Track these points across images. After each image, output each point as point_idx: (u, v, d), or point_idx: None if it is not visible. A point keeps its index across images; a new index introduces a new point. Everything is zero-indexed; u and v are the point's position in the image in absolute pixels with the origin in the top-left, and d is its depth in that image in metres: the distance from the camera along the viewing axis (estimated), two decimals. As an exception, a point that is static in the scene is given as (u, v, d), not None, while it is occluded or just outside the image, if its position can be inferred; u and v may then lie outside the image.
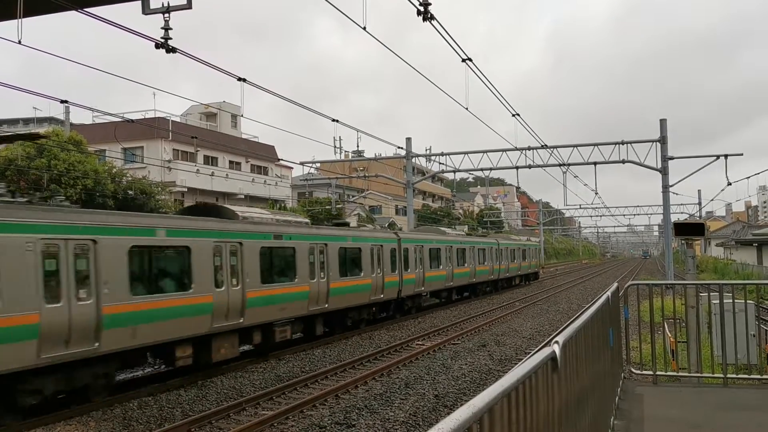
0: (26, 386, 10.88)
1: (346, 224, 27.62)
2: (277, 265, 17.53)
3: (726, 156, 33.74)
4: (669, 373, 10.21)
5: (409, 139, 38.29)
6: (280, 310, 17.30)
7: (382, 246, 24.01)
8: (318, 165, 48.33)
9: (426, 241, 28.86)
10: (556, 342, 3.73)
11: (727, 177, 35.15)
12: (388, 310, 25.41)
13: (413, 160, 41.31)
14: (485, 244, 37.68)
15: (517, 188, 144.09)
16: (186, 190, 47.00)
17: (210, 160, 51.12)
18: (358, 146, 75.73)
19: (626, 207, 79.72)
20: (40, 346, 10.66)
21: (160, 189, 37.39)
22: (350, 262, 21.50)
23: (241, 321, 15.51)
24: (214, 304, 14.65)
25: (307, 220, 21.94)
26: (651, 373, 9.68)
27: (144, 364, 15.17)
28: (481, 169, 38.75)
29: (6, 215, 10.71)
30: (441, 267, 30.13)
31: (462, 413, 2.13)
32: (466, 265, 33.54)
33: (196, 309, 14.17)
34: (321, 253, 19.57)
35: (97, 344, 11.73)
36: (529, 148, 35.76)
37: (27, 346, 10.52)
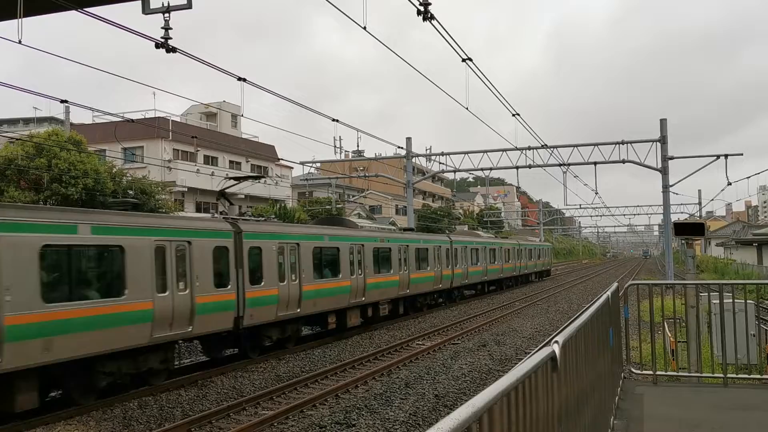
0: None
1: (412, 230, 34.54)
2: (382, 260, 24.28)
3: (726, 156, 33.72)
4: (669, 373, 10.20)
5: (409, 139, 38.30)
6: (381, 294, 23.83)
7: (440, 246, 30.39)
8: (318, 165, 48.31)
9: (469, 242, 35.11)
10: (556, 342, 3.73)
11: (727, 177, 35.15)
12: (444, 297, 32.10)
13: (413, 159, 41.30)
14: (510, 245, 44.52)
15: (517, 188, 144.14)
16: (186, 189, 47.01)
17: (210, 160, 51.13)
18: (358, 146, 75.78)
19: (626, 207, 79.71)
20: None
21: (160, 189, 37.39)
22: (421, 259, 27.99)
23: (363, 300, 22.19)
24: (351, 286, 21.28)
25: (394, 227, 32.92)
26: (651, 372, 9.68)
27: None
28: (481, 169, 38.74)
29: None
30: (479, 264, 36.16)
31: (462, 413, 2.13)
32: (495, 262, 39.75)
33: (342, 290, 20.63)
34: (404, 252, 26.17)
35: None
36: (529, 148, 35.75)
37: None
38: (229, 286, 15.34)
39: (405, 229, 32.58)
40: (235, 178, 20.62)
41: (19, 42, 11.03)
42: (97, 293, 12.11)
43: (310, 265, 18.87)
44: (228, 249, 15.48)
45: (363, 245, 22.47)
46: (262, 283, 16.65)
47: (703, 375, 9.76)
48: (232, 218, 17.24)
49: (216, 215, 17.77)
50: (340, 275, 20.59)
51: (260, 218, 20.22)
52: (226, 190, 19.33)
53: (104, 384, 12.43)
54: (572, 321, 4.97)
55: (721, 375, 9.32)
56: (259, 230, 17.06)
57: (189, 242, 14.24)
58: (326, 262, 20.19)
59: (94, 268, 12.57)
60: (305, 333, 21.01)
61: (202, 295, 14.35)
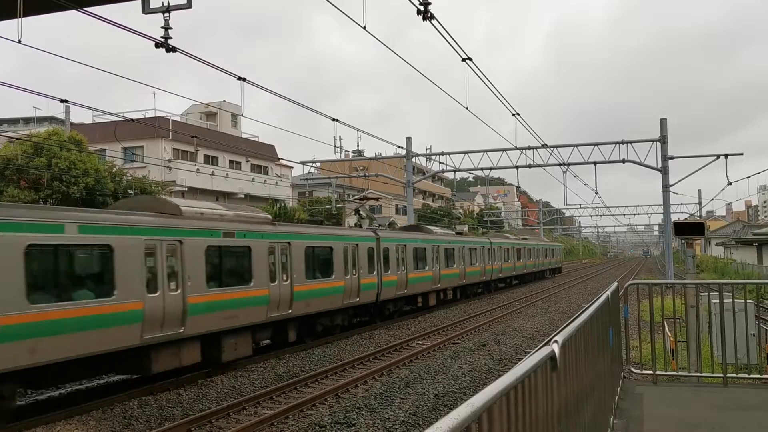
0: None
1: (457, 232, 40.04)
2: (449, 257, 31.22)
3: (726, 156, 33.70)
4: (669, 373, 10.20)
5: (409, 139, 38.29)
6: (449, 282, 31.48)
7: (483, 247, 37.24)
8: (318, 164, 48.30)
9: (502, 243, 43.25)
10: (556, 341, 3.73)
11: (727, 176, 35.12)
12: (483, 287, 38.84)
13: (413, 159, 41.30)
14: (531, 245, 52.49)
15: (517, 188, 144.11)
16: (186, 189, 47.01)
17: (210, 160, 51.13)
18: (358, 145, 75.74)
19: (626, 206, 79.67)
20: None
21: (160, 188, 37.41)
22: (472, 257, 34.62)
23: (438, 286, 30.04)
24: (432, 276, 29.05)
25: (436, 229, 34.96)
26: (651, 372, 9.68)
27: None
28: (481, 169, 38.73)
29: None
30: (509, 261, 44.22)
31: (461, 412, 2.13)
32: (520, 260, 47.30)
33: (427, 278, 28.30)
34: (461, 251, 32.87)
35: None
36: (529, 148, 35.74)
37: None
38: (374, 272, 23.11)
39: (457, 233, 39.26)
40: (360, 198, 30.30)
41: (19, 41, 11.03)
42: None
43: (413, 259, 27.14)
44: (373, 249, 23.20)
45: (438, 246, 30.07)
46: (389, 272, 24.27)
47: (703, 375, 9.76)
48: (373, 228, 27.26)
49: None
50: (426, 267, 28.45)
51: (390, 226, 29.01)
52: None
53: None
54: (572, 321, 4.97)
55: (721, 375, 9.31)
56: (389, 236, 25.67)
57: (405, 246, 25.82)
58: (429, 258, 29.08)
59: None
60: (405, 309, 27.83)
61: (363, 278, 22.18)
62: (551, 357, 3.53)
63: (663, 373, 9.92)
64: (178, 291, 13.78)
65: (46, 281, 11.36)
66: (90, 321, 11.63)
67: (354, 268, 21.43)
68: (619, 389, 8.42)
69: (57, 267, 11.47)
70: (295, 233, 18.60)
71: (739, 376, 9.79)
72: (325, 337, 20.07)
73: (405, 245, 26.27)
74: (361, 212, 47.10)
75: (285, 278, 17.45)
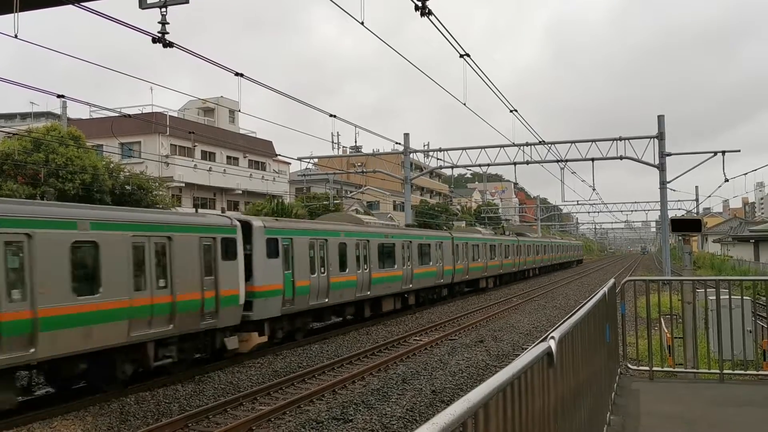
0: None
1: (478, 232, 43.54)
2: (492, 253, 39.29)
3: (723, 152, 33.77)
4: (665, 369, 10.22)
5: (407, 135, 38.28)
6: (489, 272, 38.88)
7: (516, 244, 45.53)
8: (316, 161, 48.29)
9: (537, 241, 53.80)
10: (552, 337, 3.73)
11: (724, 173, 35.20)
12: (519, 275, 47.20)
13: (411, 155, 41.29)
14: (560, 243, 69.10)
15: (515, 184, 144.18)
16: (184, 185, 46.96)
17: (208, 156, 51.05)
18: (356, 142, 75.63)
19: (624, 203, 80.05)
20: None
21: (157, 184, 37.34)
22: (506, 252, 42.16)
23: (467, 277, 34.87)
24: (483, 266, 36.87)
25: (482, 230, 41.43)
26: (647, 368, 9.69)
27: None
28: (479, 165, 38.75)
29: None
30: (538, 255, 53.65)
31: (457, 408, 2.13)
32: (546, 254, 59.91)
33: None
34: (500, 247, 40.69)
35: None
36: (527, 144, 35.77)
37: None
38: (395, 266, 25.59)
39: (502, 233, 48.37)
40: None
41: (15, 36, 11.00)
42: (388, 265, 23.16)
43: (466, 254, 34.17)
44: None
45: (480, 244, 36.59)
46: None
47: (700, 371, 9.78)
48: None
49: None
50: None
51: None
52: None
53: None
54: (569, 317, 4.98)
55: (718, 371, 9.33)
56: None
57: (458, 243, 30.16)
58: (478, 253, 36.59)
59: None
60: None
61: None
62: (548, 353, 3.54)
63: (660, 369, 9.94)
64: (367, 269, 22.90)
65: None
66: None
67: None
68: (615, 385, 8.43)
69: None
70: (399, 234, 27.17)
71: (736, 372, 9.80)
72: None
73: (467, 243, 34.62)
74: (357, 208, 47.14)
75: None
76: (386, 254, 24.90)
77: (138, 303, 12.92)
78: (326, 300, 20.06)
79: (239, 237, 16.19)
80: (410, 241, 27.31)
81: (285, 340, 18.46)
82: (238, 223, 16.39)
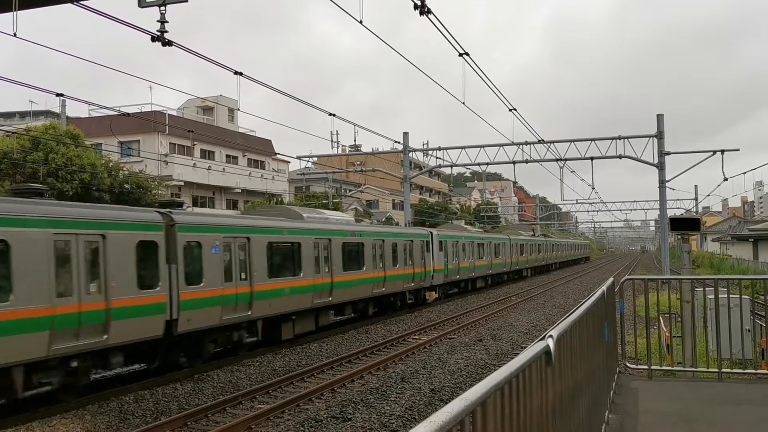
0: None
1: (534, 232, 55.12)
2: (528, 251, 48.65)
3: (723, 151, 33.74)
4: (664, 368, 10.23)
5: (406, 134, 38.26)
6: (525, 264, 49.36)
7: (538, 244, 51.58)
8: (315, 159, 48.26)
9: (552, 242, 62.58)
10: (551, 336, 3.73)
11: (723, 172, 35.18)
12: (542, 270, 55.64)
13: (410, 154, 41.29)
14: (571, 242, 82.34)
15: (514, 183, 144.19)
16: (183, 184, 46.94)
17: (207, 154, 51.03)
18: (355, 140, 75.57)
19: (623, 202, 79.93)
20: None
21: (156, 183, 37.33)
22: (528, 250, 47.02)
23: (489, 272, 39.57)
24: (505, 263, 43.29)
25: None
26: (646, 367, 9.70)
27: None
28: (478, 164, 38.71)
29: None
30: (553, 252, 62.24)
31: (455, 406, 2.13)
32: (560, 252, 70.06)
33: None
34: (522, 246, 45.09)
35: None
36: (526, 143, 35.75)
37: None
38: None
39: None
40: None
41: (14, 35, 10.98)
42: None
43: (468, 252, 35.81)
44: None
45: (466, 242, 35.28)
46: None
47: (698, 370, 9.79)
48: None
49: None
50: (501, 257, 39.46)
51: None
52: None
53: None
54: (568, 316, 4.98)
55: (716, 370, 9.34)
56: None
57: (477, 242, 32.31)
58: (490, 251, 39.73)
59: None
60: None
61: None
62: (546, 351, 3.54)
63: (658, 368, 9.95)
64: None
65: None
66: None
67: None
68: (614, 384, 8.44)
69: None
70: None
71: (734, 371, 9.82)
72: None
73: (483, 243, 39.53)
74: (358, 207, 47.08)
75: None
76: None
77: (417, 270, 27.58)
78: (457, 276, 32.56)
79: (434, 240, 29.74)
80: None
81: (446, 297, 30.17)
82: (432, 231, 30.39)
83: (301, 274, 18.71)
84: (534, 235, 65.40)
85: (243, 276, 16.13)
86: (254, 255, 16.55)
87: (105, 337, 12.16)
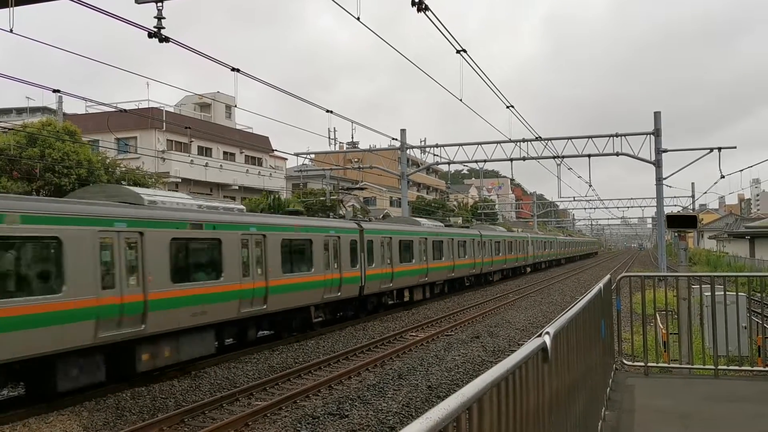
0: None
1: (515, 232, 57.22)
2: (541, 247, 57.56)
3: (719, 149, 33.77)
4: (660, 365, 10.25)
5: (403, 131, 38.25)
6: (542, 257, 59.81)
7: (551, 240, 56.73)
8: (312, 156, 48.22)
9: (564, 239, 71.39)
10: (547, 333, 3.74)
11: (720, 170, 35.19)
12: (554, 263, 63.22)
13: (408, 151, 41.29)
14: (583, 240, 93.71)
15: (512, 180, 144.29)
16: (180, 180, 46.87)
17: (204, 151, 50.95)
18: (352, 137, 75.56)
19: (620, 199, 79.88)
20: None
21: (154, 180, 37.26)
22: (543, 246, 56.51)
23: (505, 265, 44.65)
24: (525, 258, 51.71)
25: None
26: (642, 364, 9.73)
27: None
28: (476, 161, 38.73)
29: None
30: (568, 248, 68.07)
31: (451, 402, 2.13)
32: (569, 248, 76.54)
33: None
34: (536, 243, 51.85)
35: None
36: (524, 140, 35.76)
37: None
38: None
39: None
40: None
41: (11, 31, 10.95)
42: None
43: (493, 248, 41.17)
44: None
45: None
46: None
47: (695, 366, 9.82)
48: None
49: None
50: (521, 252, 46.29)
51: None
52: None
53: None
54: (564, 312, 4.99)
55: (712, 367, 9.37)
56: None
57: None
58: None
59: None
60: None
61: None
62: (543, 348, 3.55)
63: (654, 365, 9.98)
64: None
65: None
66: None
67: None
68: (611, 381, 8.46)
69: None
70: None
71: (730, 368, 9.85)
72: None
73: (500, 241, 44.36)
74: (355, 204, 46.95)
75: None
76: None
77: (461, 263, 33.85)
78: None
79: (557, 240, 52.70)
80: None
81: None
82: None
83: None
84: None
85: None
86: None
87: (339, 294, 21.00)
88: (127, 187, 16.42)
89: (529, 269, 55.31)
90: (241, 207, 19.41)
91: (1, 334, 10.16)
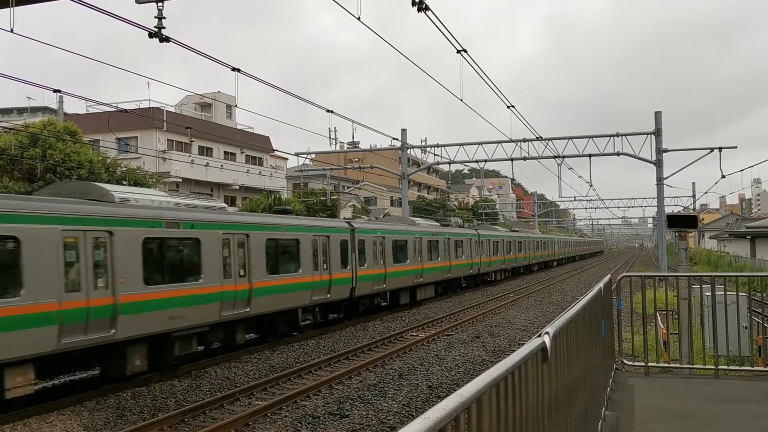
0: None
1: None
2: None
3: (720, 149, 33.74)
4: (661, 365, 10.25)
5: (404, 131, 38.24)
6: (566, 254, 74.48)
7: (565, 239, 71.85)
8: (313, 156, 48.24)
9: (578, 238, 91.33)
10: (547, 333, 3.74)
11: (721, 170, 35.15)
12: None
13: (408, 151, 41.29)
14: (590, 241, 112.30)
15: (512, 180, 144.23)
16: (181, 180, 46.89)
17: (205, 151, 50.97)
18: (353, 137, 75.60)
19: (621, 199, 79.80)
20: None
21: (154, 180, 37.27)
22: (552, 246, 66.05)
23: (518, 263, 49.41)
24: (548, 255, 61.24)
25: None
26: (643, 364, 9.73)
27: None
28: (476, 161, 38.72)
29: None
30: (578, 248, 77.26)
31: (449, 402, 2.14)
32: (581, 246, 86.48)
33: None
34: (547, 243, 59.58)
35: None
36: (524, 140, 35.75)
37: None
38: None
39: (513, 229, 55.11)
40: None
41: (11, 31, 10.96)
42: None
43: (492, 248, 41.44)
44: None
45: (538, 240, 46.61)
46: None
47: (695, 366, 9.81)
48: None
49: None
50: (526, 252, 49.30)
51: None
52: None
53: None
54: (564, 312, 4.99)
55: (713, 367, 9.36)
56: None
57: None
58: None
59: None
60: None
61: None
62: (542, 348, 3.55)
63: (655, 365, 9.98)
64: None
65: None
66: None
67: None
68: (611, 381, 8.46)
69: None
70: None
71: (731, 368, 9.84)
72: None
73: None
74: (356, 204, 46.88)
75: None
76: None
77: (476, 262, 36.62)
78: None
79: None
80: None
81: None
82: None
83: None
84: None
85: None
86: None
87: (328, 296, 20.46)
88: (98, 184, 15.48)
89: (536, 267, 58.96)
90: (223, 205, 18.34)
91: None
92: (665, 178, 34.25)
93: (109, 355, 12.69)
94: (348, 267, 21.86)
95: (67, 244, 11.54)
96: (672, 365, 10.40)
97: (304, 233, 19.53)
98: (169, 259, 14.31)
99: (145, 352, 13.24)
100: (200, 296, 14.66)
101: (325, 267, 20.33)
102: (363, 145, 65.42)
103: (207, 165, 49.23)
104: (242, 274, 16.25)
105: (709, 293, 9.68)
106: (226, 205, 18.97)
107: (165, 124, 44.25)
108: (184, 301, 14.11)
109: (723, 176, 35.50)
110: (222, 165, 50.34)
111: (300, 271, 18.85)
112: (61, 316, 11.25)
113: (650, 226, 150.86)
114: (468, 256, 35.67)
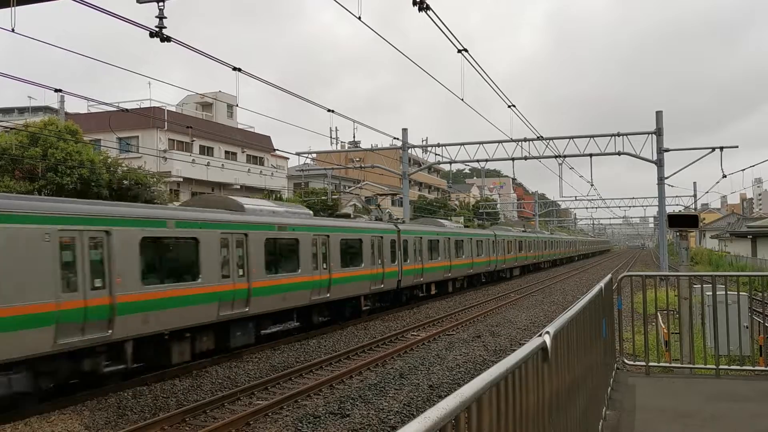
0: None
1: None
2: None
3: (722, 148, 33.74)
4: (662, 364, 10.25)
5: (405, 130, 38.26)
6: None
7: (576, 240, 78.79)
8: (314, 155, 48.25)
9: (586, 238, 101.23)
10: (547, 332, 3.74)
11: (722, 169, 35.16)
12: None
13: (409, 150, 41.28)
14: (596, 241, 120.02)
15: (513, 179, 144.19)
16: (182, 180, 46.91)
17: (206, 150, 50.97)
18: (354, 137, 75.63)
19: (622, 199, 79.88)
20: None
21: (155, 179, 37.27)
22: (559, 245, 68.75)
23: (518, 263, 47.69)
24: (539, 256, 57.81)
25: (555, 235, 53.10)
26: (644, 364, 9.72)
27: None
28: (477, 161, 38.73)
29: None
30: (586, 247, 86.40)
31: (449, 402, 2.14)
32: (590, 245, 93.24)
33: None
34: (557, 243, 62.99)
35: None
36: (525, 140, 35.76)
37: None
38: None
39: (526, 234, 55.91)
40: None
41: (12, 30, 10.97)
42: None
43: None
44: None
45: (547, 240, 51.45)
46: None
47: (696, 366, 9.81)
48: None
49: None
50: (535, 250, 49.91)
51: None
52: None
53: None
54: (565, 312, 4.99)
55: (714, 366, 9.36)
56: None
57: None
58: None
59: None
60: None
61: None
62: (542, 348, 3.55)
63: (656, 364, 9.97)
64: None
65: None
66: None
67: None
68: (612, 380, 8.46)
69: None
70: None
71: (732, 367, 9.83)
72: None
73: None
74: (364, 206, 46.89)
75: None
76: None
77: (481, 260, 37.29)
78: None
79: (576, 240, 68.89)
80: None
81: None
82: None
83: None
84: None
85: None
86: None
87: (382, 286, 23.63)
88: (233, 197, 19.13)
89: (546, 264, 63.14)
90: (309, 212, 21.92)
91: None
92: (666, 178, 34.24)
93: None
94: (395, 262, 25.34)
95: (63, 244, 11.63)
96: (673, 365, 10.39)
97: (365, 234, 23.09)
98: (279, 252, 18.02)
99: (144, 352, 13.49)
100: (299, 284, 18.54)
101: (379, 262, 23.70)
102: (364, 145, 65.45)
103: (208, 164, 49.22)
104: (325, 267, 20.08)
105: (710, 293, 9.68)
106: (311, 212, 22.53)
107: (166, 123, 44.27)
108: (186, 300, 14.37)
109: (724, 176, 35.54)
110: (223, 164, 50.33)
111: (362, 265, 22.39)
112: (58, 316, 11.30)
113: (651, 225, 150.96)
114: (487, 254, 38.96)
